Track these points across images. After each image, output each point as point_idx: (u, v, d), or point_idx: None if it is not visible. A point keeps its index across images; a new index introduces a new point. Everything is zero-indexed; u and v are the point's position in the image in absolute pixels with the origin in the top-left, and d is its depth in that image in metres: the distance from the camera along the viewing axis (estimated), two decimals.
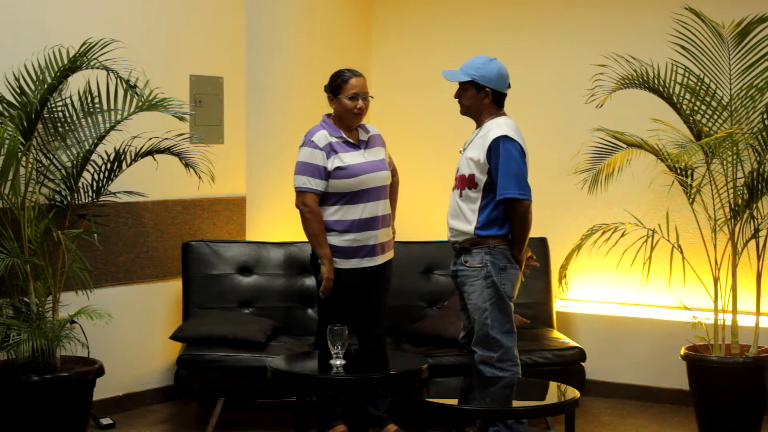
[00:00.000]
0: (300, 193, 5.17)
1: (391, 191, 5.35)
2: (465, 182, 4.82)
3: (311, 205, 5.14)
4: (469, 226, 4.80)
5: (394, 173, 5.40)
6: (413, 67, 7.06)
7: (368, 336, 5.34)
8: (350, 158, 5.18)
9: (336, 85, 5.21)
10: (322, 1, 6.96)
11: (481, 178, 4.77)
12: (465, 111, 4.92)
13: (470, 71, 4.82)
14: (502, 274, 4.78)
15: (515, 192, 4.69)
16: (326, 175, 5.14)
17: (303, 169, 5.17)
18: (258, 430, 5.69)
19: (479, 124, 4.89)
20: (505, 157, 4.70)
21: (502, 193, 4.71)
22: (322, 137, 5.18)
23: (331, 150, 5.16)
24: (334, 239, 5.18)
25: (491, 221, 4.78)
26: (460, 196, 4.84)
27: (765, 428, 5.52)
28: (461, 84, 4.87)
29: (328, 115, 5.29)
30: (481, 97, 4.83)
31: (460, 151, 4.94)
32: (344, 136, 5.22)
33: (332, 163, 5.15)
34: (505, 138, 4.72)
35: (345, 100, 5.19)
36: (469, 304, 4.83)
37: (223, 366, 5.48)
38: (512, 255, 4.80)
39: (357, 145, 5.23)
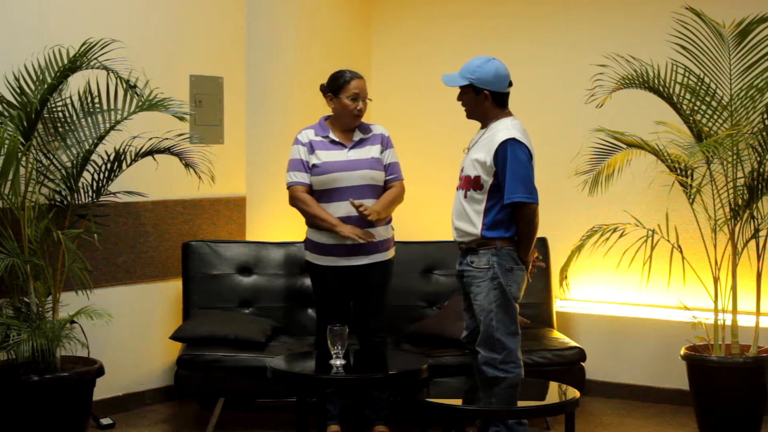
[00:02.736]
0: (288, 188, 5.26)
1: (385, 194, 5.28)
2: (470, 183, 4.80)
3: (298, 195, 5.23)
4: (474, 228, 4.79)
5: (395, 185, 5.33)
6: (413, 67, 7.06)
7: (363, 336, 5.35)
8: (327, 156, 5.21)
9: (338, 85, 5.24)
10: (322, 1, 6.96)
11: (487, 180, 4.75)
12: (469, 114, 4.90)
13: (467, 74, 4.79)
14: (509, 276, 4.77)
15: (522, 195, 4.67)
16: (309, 168, 5.21)
17: (289, 165, 5.28)
18: (258, 430, 5.69)
19: (485, 125, 4.87)
20: (513, 160, 4.67)
21: (509, 197, 4.67)
22: (306, 135, 5.28)
23: (310, 148, 5.23)
24: (315, 234, 5.26)
25: (497, 223, 4.76)
26: (465, 197, 4.83)
27: (765, 428, 5.51)
28: (461, 88, 4.85)
29: (327, 117, 5.32)
30: (481, 100, 4.81)
31: (465, 151, 4.92)
32: (331, 135, 5.24)
33: (310, 161, 5.22)
34: (512, 141, 4.70)
35: (345, 100, 5.21)
36: (475, 304, 4.82)
37: (223, 366, 5.48)
38: (518, 256, 4.80)
39: (344, 144, 5.24)
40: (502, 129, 4.75)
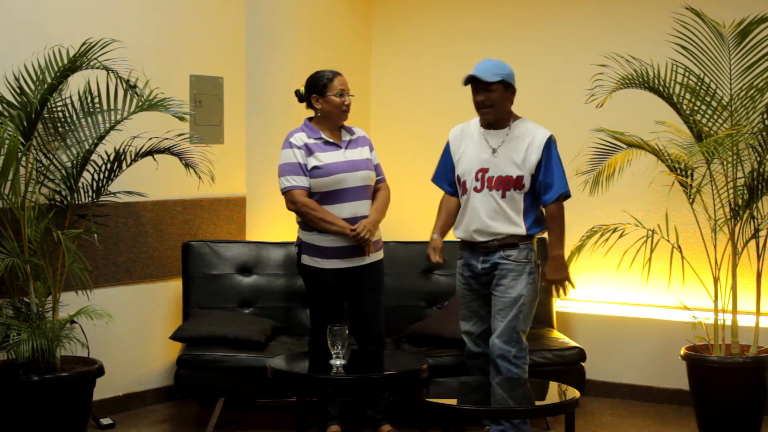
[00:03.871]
0: (286, 193, 5.18)
1: (377, 198, 5.30)
2: (511, 184, 4.84)
3: (301, 200, 5.14)
4: (516, 228, 4.84)
5: (382, 186, 5.36)
6: (413, 67, 7.06)
7: (367, 339, 5.33)
8: (327, 157, 5.18)
9: (321, 84, 5.22)
10: (322, 1, 6.96)
11: (528, 179, 4.84)
12: (496, 115, 4.86)
13: (498, 71, 4.81)
14: (539, 271, 4.91)
15: (568, 188, 4.85)
16: (307, 171, 5.15)
17: (283, 170, 5.19)
18: (258, 430, 5.69)
19: (503, 125, 4.89)
20: (556, 156, 4.85)
21: (560, 191, 4.81)
22: (299, 138, 5.21)
23: (307, 150, 5.17)
24: (316, 238, 5.19)
25: (537, 219, 4.89)
26: (503, 197, 4.85)
27: (765, 428, 5.52)
28: (484, 87, 4.81)
29: (310, 118, 5.31)
30: (508, 96, 4.87)
31: (493, 153, 4.90)
32: (324, 137, 5.22)
33: (309, 163, 5.16)
34: (553, 138, 4.88)
35: (333, 98, 5.20)
36: (505, 297, 4.84)
37: (223, 366, 5.48)
38: (550, 254, 4.89)
39: (338, 144, 5.23)
40: (535, 127, 4.90)
